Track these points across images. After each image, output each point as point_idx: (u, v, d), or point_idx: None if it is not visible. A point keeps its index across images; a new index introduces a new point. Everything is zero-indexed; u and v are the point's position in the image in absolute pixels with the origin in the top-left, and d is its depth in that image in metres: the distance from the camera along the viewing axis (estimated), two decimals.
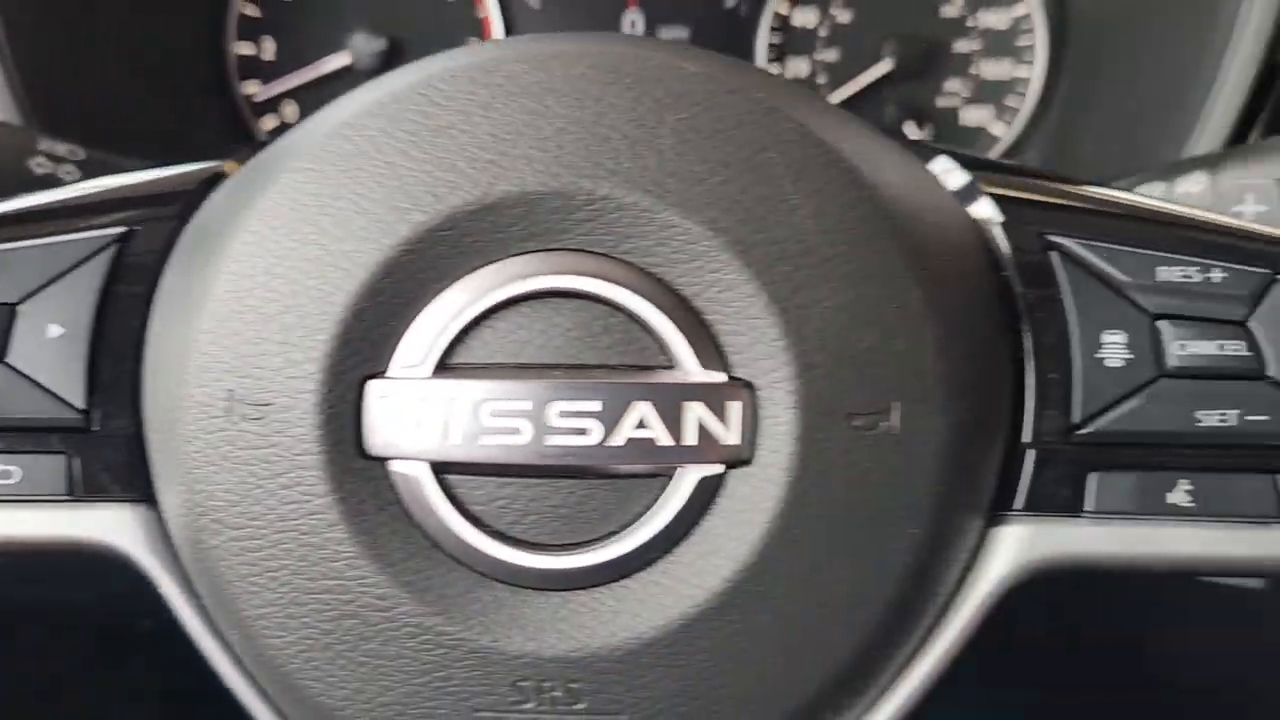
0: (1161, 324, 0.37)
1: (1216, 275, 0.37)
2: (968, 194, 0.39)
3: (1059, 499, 0.37)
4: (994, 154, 0.86)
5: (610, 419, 0.32)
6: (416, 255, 0.32)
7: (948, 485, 0.34)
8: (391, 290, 0.32)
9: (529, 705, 0.33)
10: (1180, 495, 0.36)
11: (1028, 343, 0.37)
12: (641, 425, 0.32)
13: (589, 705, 0.33)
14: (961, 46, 0.86)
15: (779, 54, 0.87)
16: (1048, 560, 0.37)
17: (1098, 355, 0.37)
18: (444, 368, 0.33)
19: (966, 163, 0.40)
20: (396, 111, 0.33)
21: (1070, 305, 0.37)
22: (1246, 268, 0.37)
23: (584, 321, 0.33)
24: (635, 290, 0.32)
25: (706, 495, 0.33)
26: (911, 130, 0.86)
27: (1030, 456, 0.37)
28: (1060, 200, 0.39)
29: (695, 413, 0.32)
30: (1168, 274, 0.37)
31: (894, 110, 0.86)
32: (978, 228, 0.38)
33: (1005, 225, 0.38)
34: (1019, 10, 0.85)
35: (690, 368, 0.32)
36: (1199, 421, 0.36)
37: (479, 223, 0.32)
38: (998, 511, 0.37)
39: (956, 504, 0.34)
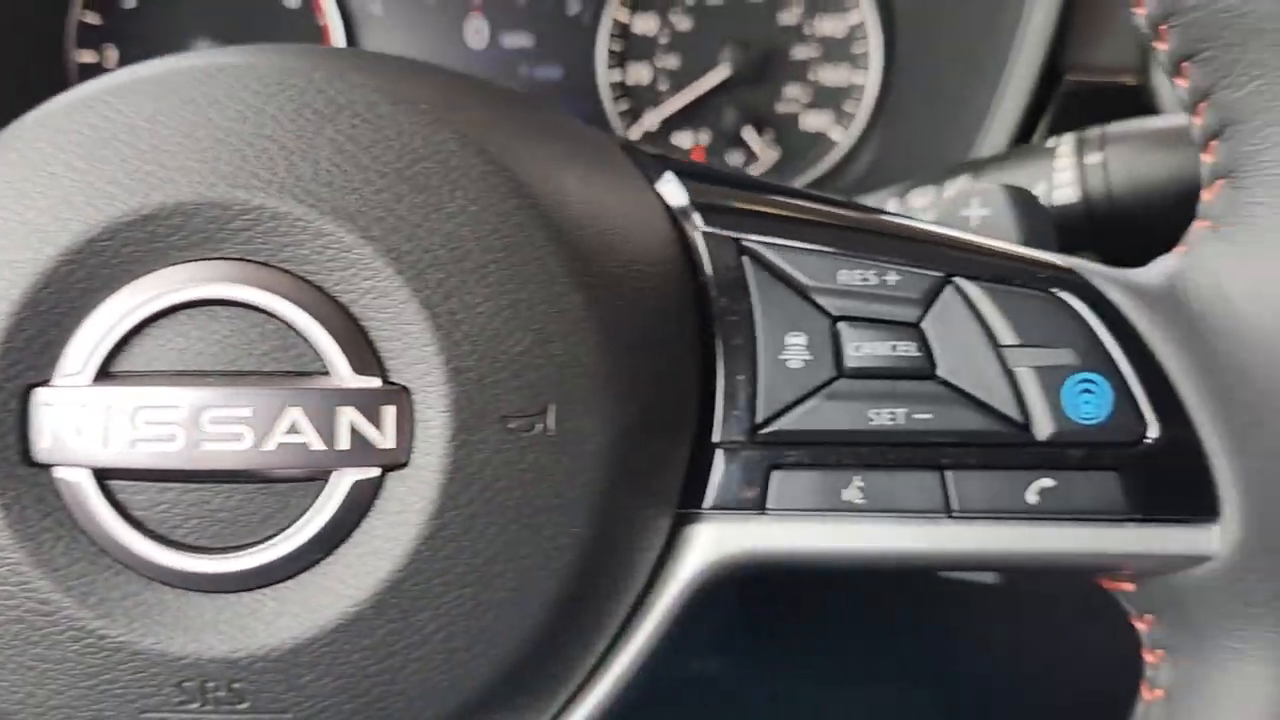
0: (841, 325, 0.38)
1: (892, 278, 0.38)
2: (684, 204, 0.40)
3: (744, 498, 0.38)
4: (833, 158, 0.88)
5: (262, 425, 0.32)
6: (76, 265, 0.33)
7: (613, 485, 0.34)
8: (52, 299, 0.33)
9: (194, 705, 0.33)
10: (854, 492, 0.37)
11: (719, 346, 0.38)
12: (294, 430, 0.33)
13: (252, 704, 0.33)
14: (800, 53, 0.88)
15: (620, 60, 0.88)
16: (735, 557, 0.38)
17: (781, 357, 0.38)
18: (105, 375, 0.33)
19: (687, 174, 0.41)
20: (65, 124, 0.34)
21: (757, 308, 0.38)
22: (921, 270, 0.38)
23: (241, 329, 0.33)
24: (290, 298, 0.33)
25: (364, 498, 0.33)
26: (751, 135, 0.87)
27: (719, 456, 0.38)
28: (759, 208, 0.40)
29: (348, 417, 0.33)
30: (848, 277, 0.38)
31: (733, 115, 0.87)
32: (679, 236, 0.39)
33: (706, 234, 0.39)
34: (854, 18, 0.87)
35: (344, 374, 0.33)
36: (871, 420, 0.37)
37: (137, 233, 0.33)
38: (688, 510, 0.38)
39: (625, 503, 0.35)
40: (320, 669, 0.33)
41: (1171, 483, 0.36)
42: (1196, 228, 0.38)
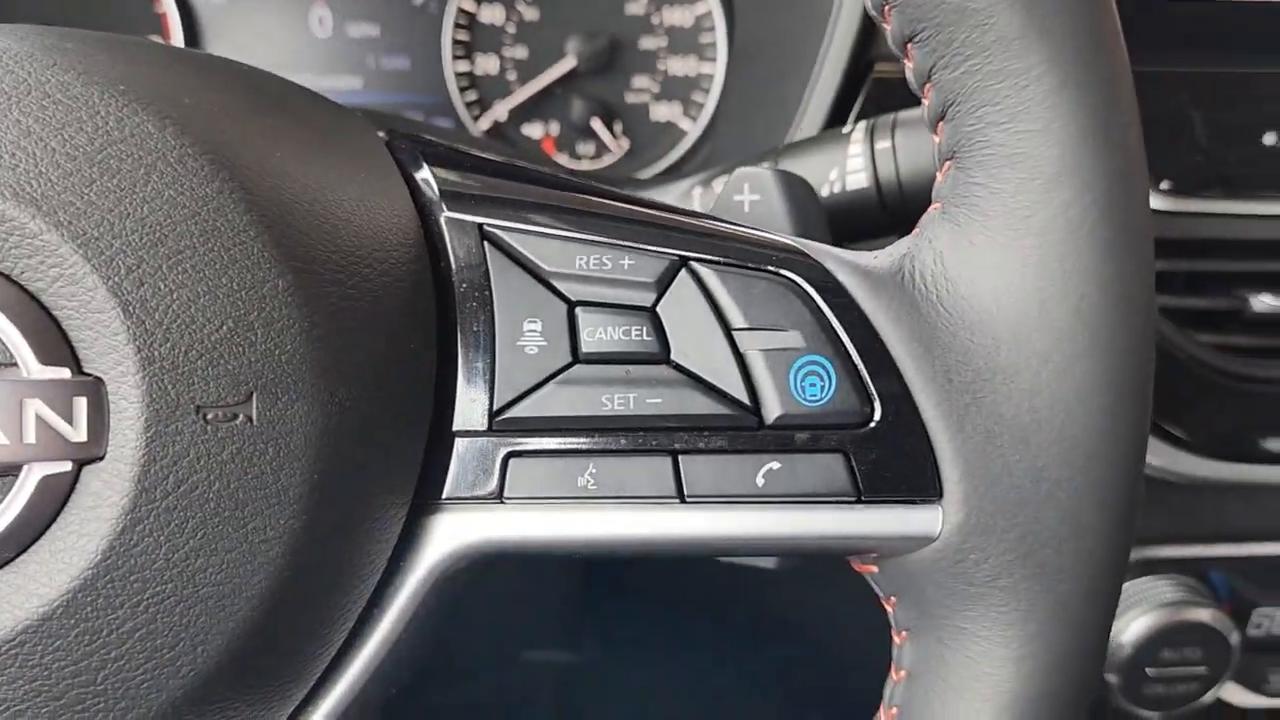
0: (579, 311, 0.37)
1: (628, 262, 0.38)
2: (434, 191, 0.39)
3: (482, 486, 0.37)
4: (682, 148, 0.88)
5: None
6: None
7: (327, 475, 0.34)
8: None
9: None
10: (588, 479, 0.37)
11: (459, 332, 0.38)
12: None
13: None
14: (647, 44, 0.87)
15: (466, 51, 0.87)
16: (475, 547, 0.37)
17: (519, 343, 0.37)
18: None
19: (443, 162, 0.40)
20: None
21: (496, 294, 0.38)
22: (657, 255, 0.38)
23: None
24: None
25: (56, 493, 0.32)
26: (599, 126, 0.87)
27: (457, 444, 0.37)
28: (504, 194, 0.39)
29: (35, 410, 0.32)
30: (585, 262, 0.38)
31: (581, 106, 0.87)
32: (424, 222, 0.39)
33: (450, 219, 0.38)
34: (700, 8, 0.86)
35: (31, 365, 0.32)
36: (604, 406, 0.37)
37: None
38: (426, 500, 0.37)
39: (345, 493, 0.34)
40: (12, 672, 0.32)
41: (895, 464, 0.36)
42: (930, 210, 0.38)
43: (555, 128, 0.88)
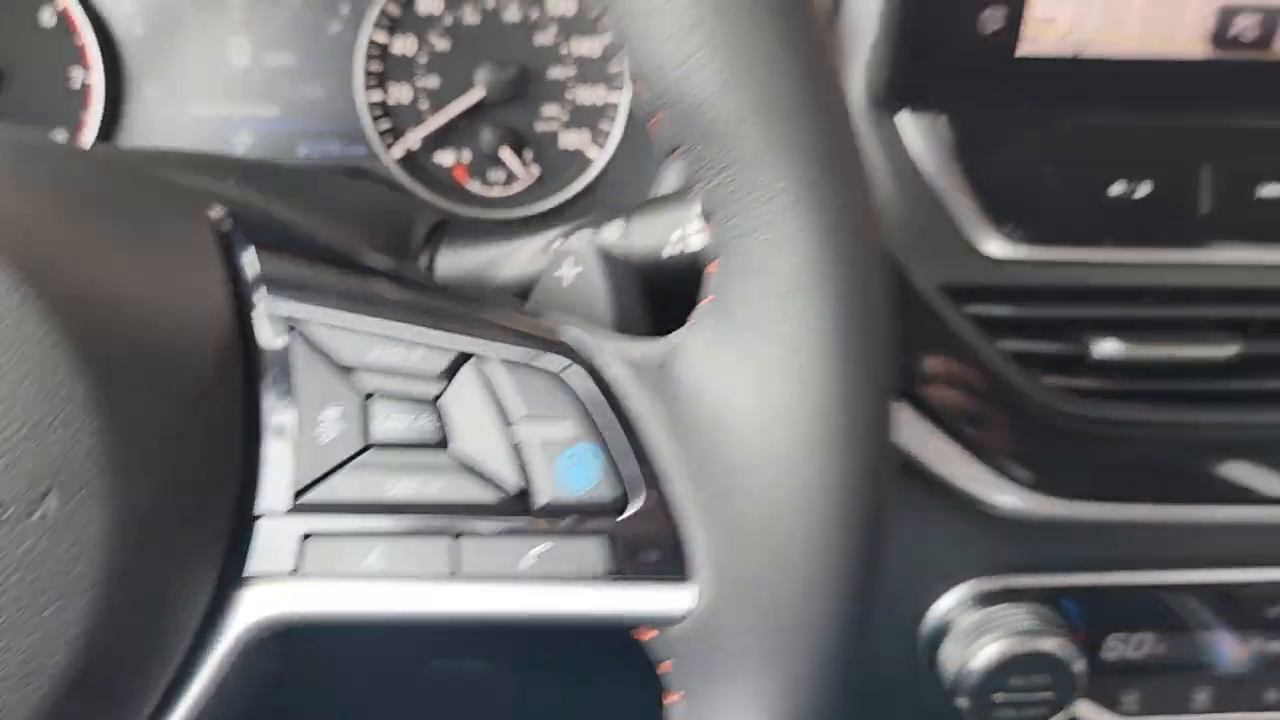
0: (371, 400, 0.40)
1: (417, 355, 0.41)
2: (254, 276, 0.42)
3: (281, 565, 0.40)
4: (589, 175, 0.90)
5: None
6: None
7: (126, 563, 0.37)
8: None
9: None
10: (375, 558, 0.40)
11: (264, 419, 0.41)
12: None
13: None
14: (556, 73, 0.90)
15: (379, 80, 0.89)
16: (274, 620, 0.41)
17: (316, 431, 0.40)
18: None
19: (269, 246, 0.43)
20: None
21: (300, 383, 0.41)
22: (444, 348, 0.41)
23: None
24: None
25: None
26: (508, 155, 0.89)
27: (259, 526, 0.41)
28: (315, 284, 0.42)
29: None
30: (380, 354, 0.41)
31: (491, 134, 0.89)
32: (239, 308, 0.41)
33: (260, 308, 0.41)
34: (609, 38, 0.89)
35: None
36: (390, 491, 0.40)
37: None
38: (231, 578, 0.41)
39: (145, 578, 0.38)
40: None
41: (651, 547, 0.39)
42: (702, 303, 0.41)
43: (467, 155, 0.91)
